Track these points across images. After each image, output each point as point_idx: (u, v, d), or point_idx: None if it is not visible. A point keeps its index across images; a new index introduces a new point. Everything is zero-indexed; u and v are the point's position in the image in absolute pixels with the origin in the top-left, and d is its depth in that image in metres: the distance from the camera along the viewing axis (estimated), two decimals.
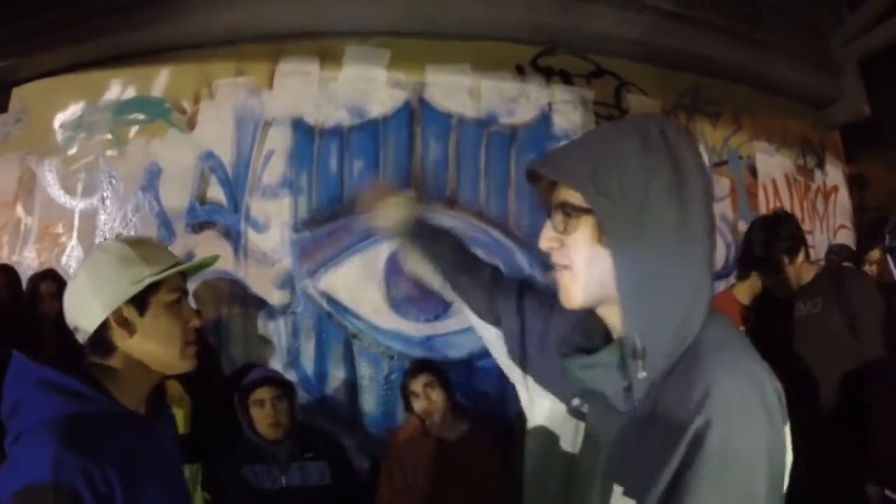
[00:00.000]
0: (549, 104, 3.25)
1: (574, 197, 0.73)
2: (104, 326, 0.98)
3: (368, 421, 2.93)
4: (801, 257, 2.05)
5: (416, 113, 3.11)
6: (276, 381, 2.34)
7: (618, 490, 0.70)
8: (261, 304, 2.96)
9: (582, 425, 0.80)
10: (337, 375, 2.93)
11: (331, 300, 2.96)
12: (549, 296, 0.92)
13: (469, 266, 1.07)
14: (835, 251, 3.64)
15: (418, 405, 2.38)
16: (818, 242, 4.11)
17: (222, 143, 3.11)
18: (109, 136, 3.31)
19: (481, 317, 1.02)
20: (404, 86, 3.12)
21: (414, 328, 2.96)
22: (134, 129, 3.28)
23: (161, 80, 3.28)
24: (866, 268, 3.29)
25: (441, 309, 2.98)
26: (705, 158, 3.68)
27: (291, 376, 2.73)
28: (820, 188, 4.28)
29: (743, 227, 3.72)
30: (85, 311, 0.98)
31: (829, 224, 4.28)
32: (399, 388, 2.51)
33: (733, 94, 3.85)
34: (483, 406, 2.83)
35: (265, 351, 2.93)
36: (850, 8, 4.17)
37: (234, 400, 2.36)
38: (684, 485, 0.63)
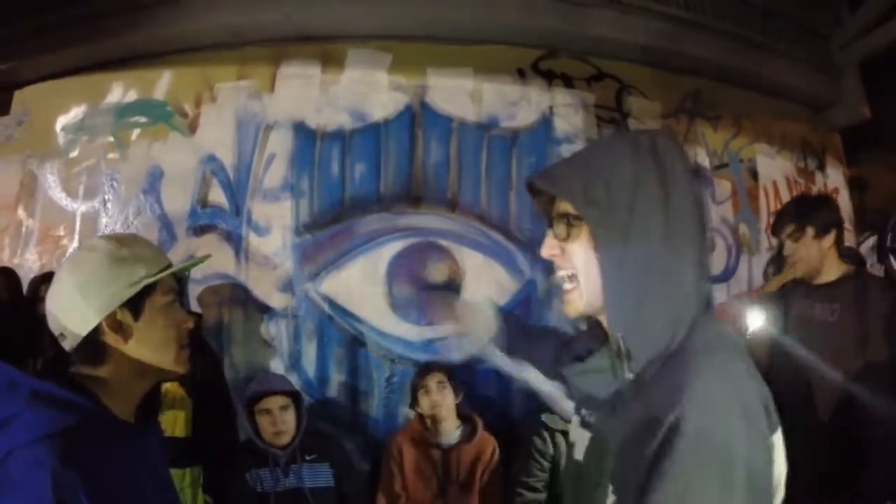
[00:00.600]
0: (551, 108, 3.25)
1: (571, 207, 0.78)
2: (96, 332, 0.91)
3: (370, 424, 2.93)
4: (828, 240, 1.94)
5: (417, 116, 3.11)
6: (283, 392, 2.35)
7: (610, 489, 0.73)
8: (262, 307, 2.97)
9: (587, 434, 0.84)
10: (338, 378, 2.93)
11: (332, 303, 2.96)
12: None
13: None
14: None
15: (426, 401, 2.39)
16: None
17: (224, 146, 3.11)
18: (111, 139, 3.32)
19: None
20: (406, 89, 3.13)
21: (415, 331, 2.97)
22: (136, 132, 3.29)
23: (163, 83, 3.29)
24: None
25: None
26: (706, 162, 3.68)
27: (293, 379, 2.73)
28: (820, 190, 4.29)
29: (744, 230, 3.73)
30: (75, 315, 0.91)
31: None
32: (410, 383, 2.52)
33: (734, 97, 3.85)
34: (484, 410, 2.83)
35: (267, 354, 2.93)
36: (850, 10, 4.18)
37: (239, 406, 2.37)
38: (659, 473, 0.64)
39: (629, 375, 0.74)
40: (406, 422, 2.67)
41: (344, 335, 2.95)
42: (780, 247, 2.04)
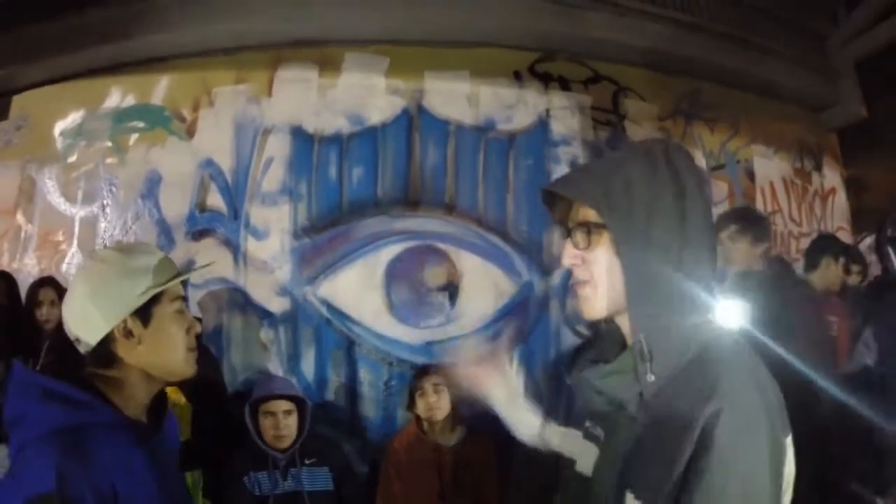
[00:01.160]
0: (547, 110, 3.26)
1: (592, 215, 0.81)
2: (108, 338, 0.97)
3: (368, 426, 2.93)
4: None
5: (414, 120, 3.12)
6: (288, 397, 2.36)
7: (630, 497, 0.74)
8: (261, 310, 2.97)
9: (594, 448, 0.85)
10: (336, 381, 2.94)
11: (330, 307, 2.97)
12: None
13: None
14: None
15: (423, 403, 2.40)
16: None
17: (222, 150, 3.12)
18: (109, 144, 3.33)
19: None
20: (403, 93, 3.14)
21: (414, 334, 2.97)
22: (134, 137, 3.30)
23: (161, 87, 3.30)
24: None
25: (441, 315, 3.00)
26: (703, 163, 3.69)
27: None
28: (818, 191, 4.30)
29: None
30: (87, 324, 0.97)
31: (827, 226, 4.29)
32: (408, 386, 2.54)
33: (730, 98, 3.86)
34: (481, 411, 2.84)
35: (265, 358, 2.94)
36: (847, 11, 4.19)
37: (241, 406, 2.38)
38: (699, 470, 0.67)
39: (651, 378, 0.76)
40: (404, 424, 2.68)
41: (342, 338, 2.96)
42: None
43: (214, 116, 3.18)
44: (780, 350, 1.83)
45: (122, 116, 3.34)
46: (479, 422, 2.51)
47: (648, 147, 0.82)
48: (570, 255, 0.83)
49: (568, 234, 0.85)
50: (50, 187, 3.44)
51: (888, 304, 2.31)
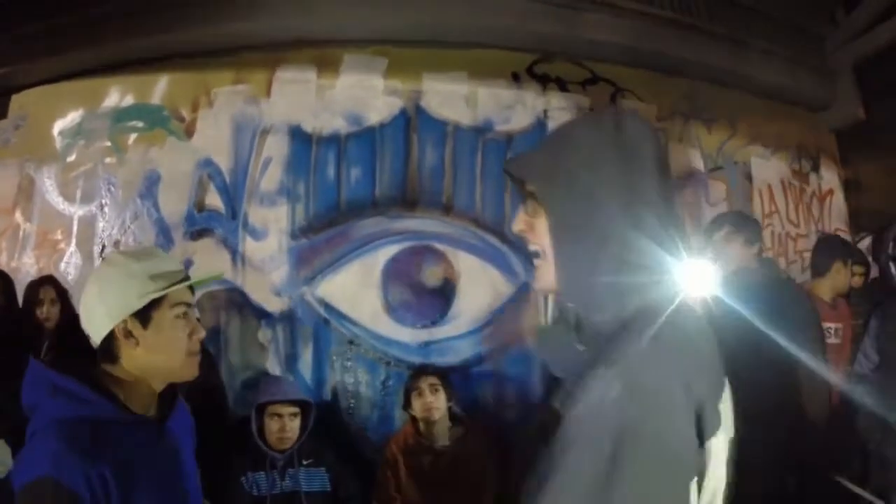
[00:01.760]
0: (545, 111, 3.27)
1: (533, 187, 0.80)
2: (110, 336, 1.03)
3: (366, 427, 2.95)
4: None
5: (412, 120, 3.13)
6: (298, 401, 2.39)
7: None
8: (259, 311, 2.98)
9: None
10: (334, 381, 2.95)
11: (328, 307, 2.98)
12: None
13: None
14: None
15: (419, 404, 2.41)
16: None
17: (220, 150, 3.12)
18: (108, 144, 3.33)
19: None
20: (401, 94, 3.14)
21: (411, 334, 2.99)
22: (133, 137, 3.30)
23: (160, 87, 3.30)
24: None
25: (438, 315, 3.01)
26: (700, 164, 3.70)
27: None
28: (815, 192, 4.30)
29: None
30: (93, 321, 1.04)
31: (825, 228, 4.30)
32: (403, 386, 2.56)
33: (728, 99, 3.86)
34: (478, 412, 2.85)
35: (263, 357, 2.95)
36: (845, 12, 4.19)
37: (240, 405, 2.39)
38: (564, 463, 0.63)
39: (580, 347, 0.75)
40: (401, 425, 2.69)
41: (340, 338, 2.97)
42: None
43: (213, 116, 3.18)
44: (772, 340, 1.84)
45: (121, 116, 3.34)
46: (476, 421, 2.53)
47: (599, 116, 0.82)
48: (519, 220, 0.83)
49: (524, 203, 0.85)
50: (49, 186, 3.44)
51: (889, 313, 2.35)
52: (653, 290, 0.73)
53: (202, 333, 1.12)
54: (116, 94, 3.39)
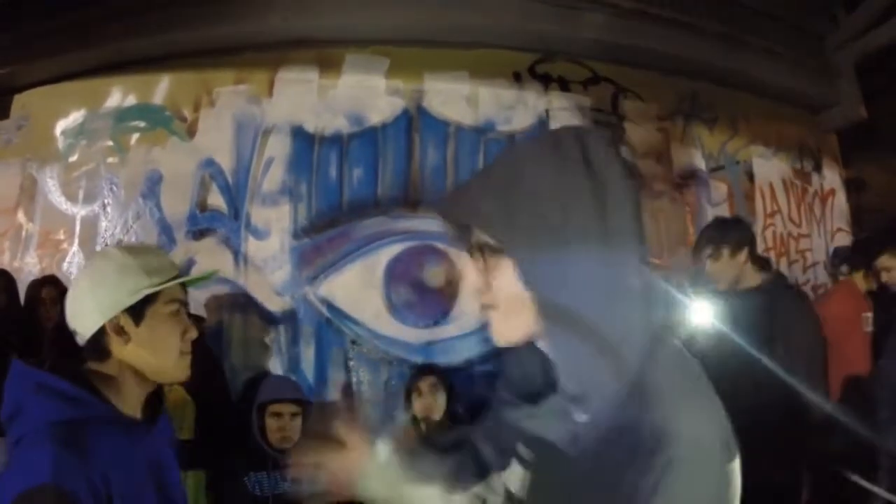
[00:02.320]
0: (547, 111, 3.28)
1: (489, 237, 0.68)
2: (101, 333, 0.98)
3: (367, 426, 2.94)
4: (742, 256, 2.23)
5: (414, 120, 3.14)
6: (298, 400, 2.38)
7: None
8: (261, 310, 2.99)
9: (527, 473, 0.76)
10: (336, 381, 2.96)
11: (331, 306, 2.99)
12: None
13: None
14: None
15: (420, 403, 2.41)
16: (815, 246, 4.14)
17: (222, 150, 3.13)
18: (110, 144, 3.34)
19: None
20: (403, 93, 3.15)
21: (413, 334, 2.99)
22: (135, 137, 3.31)
23: (162, 87, 3.31)
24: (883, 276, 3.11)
25: (440, 315, 3.02)
26: (702, 164, 3.70)
27: None
28: (817, 191, 4.30)
29: None
30: (83, 316, 0.99)
31: (827, 227, 4.30)
32: (404, 386, 2.55)
33: (730, 99, 3.87)
34: (480, 412, 2.85)
35: (265, 357, 2.96)
36: (847, 11, 4.18)
37: (242, 405, 2.39)
38: None
39: (583, 418, 0.66)
40: (404, 423, 2.69)
41: (342, 338, 2.98)
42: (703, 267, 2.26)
43: (215, 116, 3.19)
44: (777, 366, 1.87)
45: (123, 116, 3.35)
46: (477, 422, 2.53)
47: (555, 140, 0.68)
48: (476, 279, 0.71)
49: (469, 252, 0.72)
50: (51, 186, 3.45)
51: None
52: (642, 348, 0.65)
53: (195, 333, 1.06)
54: (119, 94, 3.39)
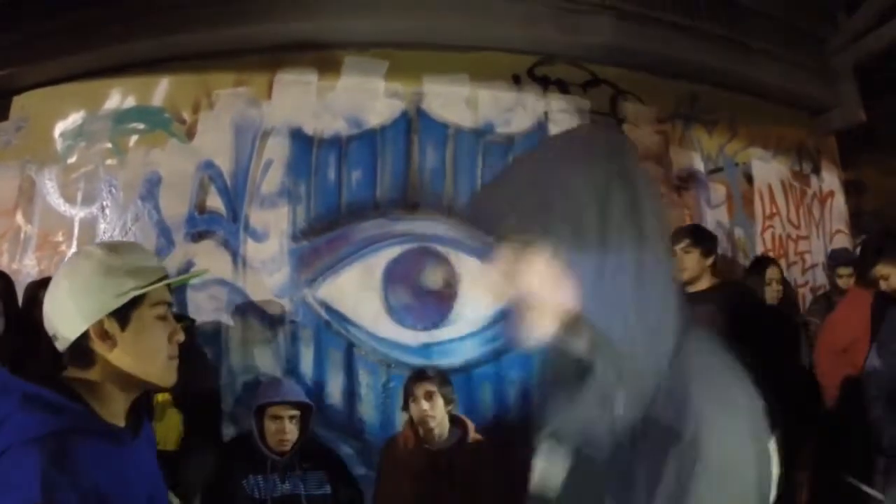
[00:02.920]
0: (546, 113, 3.27)
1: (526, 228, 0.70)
2: (84, 337, 0.93)
3: (367, 429, 2.95)
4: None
5: (413, 123, 3.13)
6: (297, 403, 2.38)
7: None
8: (260, 313, 2.98)
9: (560, 465, 0.77)
10: (335, 384, 2.95)
11: (329, 309, 2.98)
12: None
13: None
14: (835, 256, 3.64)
15: (416, 409, 2.40)
16: (814, 248, 4.14)
17: (221, 152, 3.13)
18: (109, 146, 3.33)
19: None
20: (402, 96, 3.15)
21: (412, 336, 2.99)
22: (134, 139, 3.30)
23: (161, 89, 3.30)
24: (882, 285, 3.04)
25: (439, 317, 3.01)
26: (701, 166, 3.70)
27: None
28: (816, 194, 4.31)
29: (739, 234, 3.75)
30: (65, 320, 0.94)
31: (826, 229, 4.30)
32: (402, 388, 2.53)
33: (729, 101, 3.87)
34: (479, 414, 2.85)
35: (264, 360, 2.95)
36: (846, 14, 4.19)
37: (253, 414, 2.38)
38: (683, 486, 0.62)
39: (621, 411, 0.67)
40: (402, 427, 2.69)
41: (341, 340, 2.97)
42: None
43: (214, 119, 3.19)
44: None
45: (122, 118, 3.34)
46: (477, 424, 2.52)
47: (586, 141, 0.72)
48: (505, 278, 0.73)
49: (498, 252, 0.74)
50: (50, 188, 3.44)
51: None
52: (674, 339, 0.68)
53: (182, 336, 1.01)
54: (118, 96, 3.39)
